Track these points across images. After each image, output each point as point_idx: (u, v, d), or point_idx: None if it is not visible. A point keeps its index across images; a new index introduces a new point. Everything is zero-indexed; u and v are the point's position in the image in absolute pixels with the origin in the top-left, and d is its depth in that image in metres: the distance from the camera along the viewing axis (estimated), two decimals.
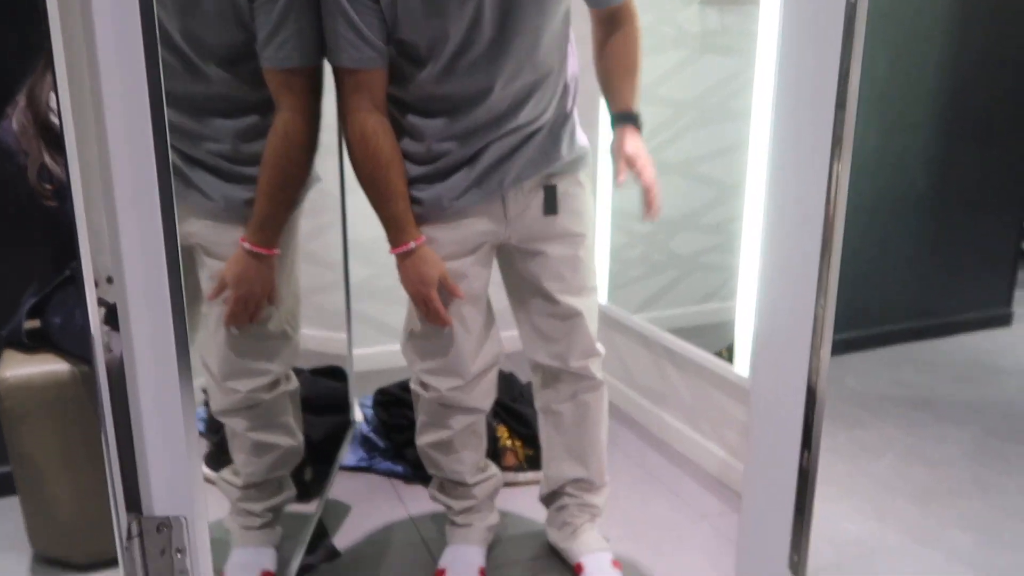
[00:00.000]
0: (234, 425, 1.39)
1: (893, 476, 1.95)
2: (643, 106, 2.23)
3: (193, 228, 1.26)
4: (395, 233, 1.30)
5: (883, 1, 2.47)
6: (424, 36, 1.20)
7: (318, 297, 2.09)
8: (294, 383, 1.47)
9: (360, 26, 1.19)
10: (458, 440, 1.49)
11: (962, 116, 2.77)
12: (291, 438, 1.46)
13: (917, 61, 2.64)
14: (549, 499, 1.61)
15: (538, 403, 1.55)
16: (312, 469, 1.60)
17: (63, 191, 1.47)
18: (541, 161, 1.33)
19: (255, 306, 1.28)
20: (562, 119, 1.35)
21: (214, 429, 1.60)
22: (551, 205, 1.36)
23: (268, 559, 1.42)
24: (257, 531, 1.43)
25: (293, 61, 1.23)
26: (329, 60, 1.25)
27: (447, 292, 1.32)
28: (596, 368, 1.47)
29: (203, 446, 1.61)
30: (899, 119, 2.68)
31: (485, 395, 1.46)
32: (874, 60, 2.56)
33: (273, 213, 1.26)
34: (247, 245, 1.24)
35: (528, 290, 1.42)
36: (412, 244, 1.29)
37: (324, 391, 1.84)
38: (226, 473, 1.43)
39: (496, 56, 1.22)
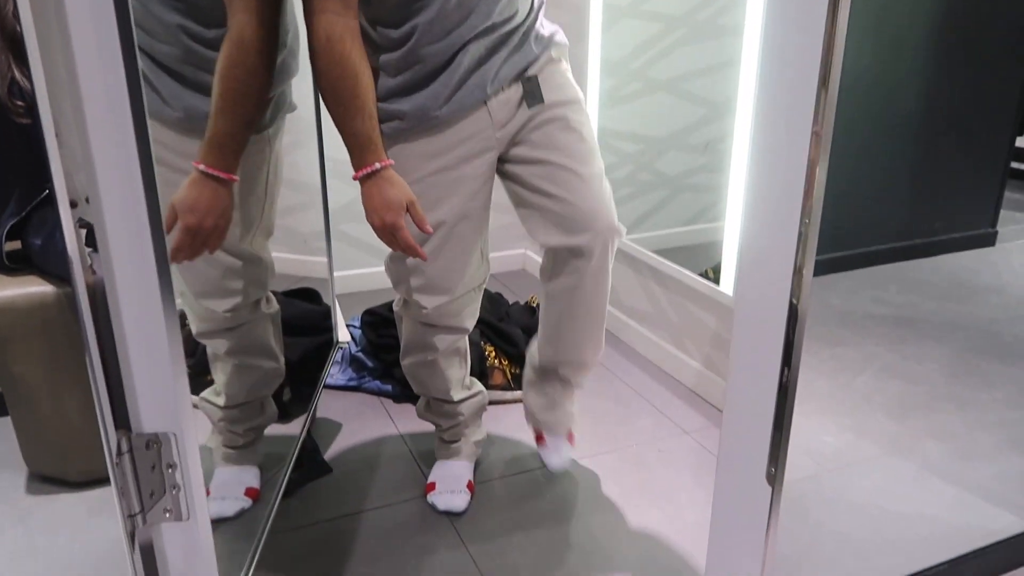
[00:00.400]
0: (215, 347, 1.37)
1: (872, 391, 1.99)
2: (631, 20, 2.18)
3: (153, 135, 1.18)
4: (359, 153, 1.19)
5: None
6: None
7: (291, 219, 2.07)
8: (275, 306, 1.46)
9: None
10: (443, 359, 1.50)
11: (955, 36, 2.71)
12: (272, 360, 1.47)
13: None
14: (538, 372, 1.57)
15: (544, 286, 1.45)
16: (291, 389, 1.62)
17: (35, 108, 1.43)
18: (519, 59, 1.28)
19: (206, 239, 1.14)
20: (534, 17, 1.30)
21: (189, 352, 1.61)
22: (534, 95, 1.29)
23: (252, 476, 1.44)
24: (240, 450, 1.46)
25: None
26: None
27: (416, 223, 1.23)
28: (605, 246, 1.36)
29: None
30: (892, 39, 2.62)
31: (470, 315, 1.46)
32: None
33: (229, 130, 1.12)
34: (201, 167, 1.11)
35: (532, 177, 1.33)
36: (377, 165, 1.19)
37: (299, 313, 1.84)
38: (207, 394, 1.43)
39: None
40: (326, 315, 1.94)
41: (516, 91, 1.30)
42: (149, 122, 0.68)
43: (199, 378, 1.44)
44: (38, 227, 1.49)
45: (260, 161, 1.31)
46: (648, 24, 2.11)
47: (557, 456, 1.61)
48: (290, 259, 2.23)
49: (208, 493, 1.39)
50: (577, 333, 1.45)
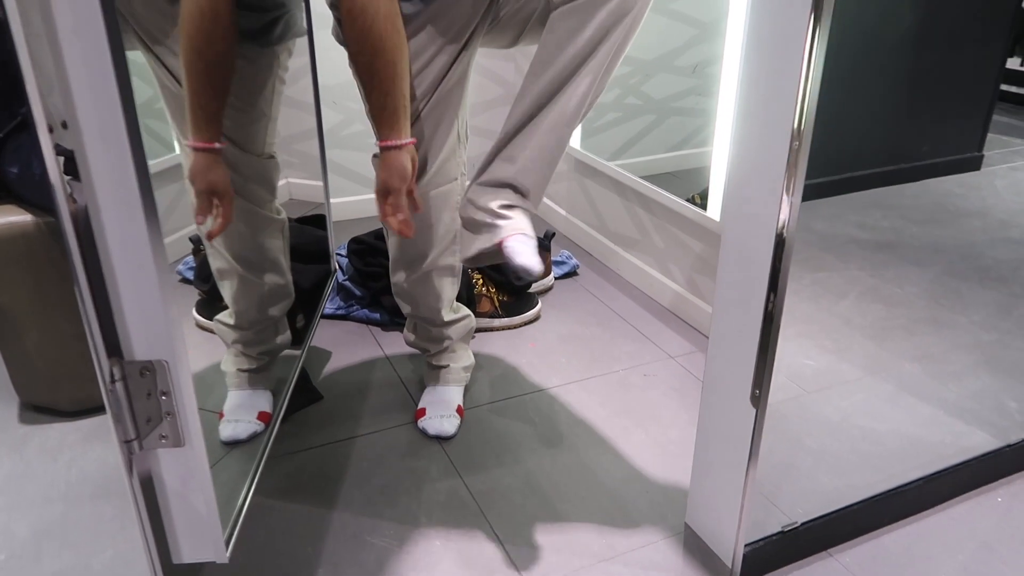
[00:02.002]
0: (221, 257, 1.38)
1: (854, 315, 2.03)
2: None
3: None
4: (386, 126, 1.21)
5: None
6: None
7: (301, 145, 2.04)
8: (284, 216, 1.46)
9: None
10: (435, 275, 1.49)
11: None
12: (279, 276, 1.47)
13: None
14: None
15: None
16: (304, 316, 1.63)
17: (4, 29, 1.37)
18: None
19: (219, 199, 1.22)
20: None
21: (203, 277, 1.60)
22: None
23: (264, 401, 1.47)
24: (253, 374, 1.47)
25: None
26: None
27: (410, 202, 1.27)
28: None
29: (194, 295, 1.63)
30: None
31: (452, 209, 1.42)
32: None
33: (204, 103, 1.15)
34: (188, 144, 1.17)
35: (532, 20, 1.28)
36: (401, 142, 1.22)
37: (311, 239, 1.83)
38: (222, 316, 1.45)
39: None
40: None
41: None
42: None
43: (215, 303, 1.45)
44: (13, 155, 1.45)
45: (268, 74, 1.33)
46: None
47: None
48: (295, 183, 2.21)
49: (222, 416, 1.42)
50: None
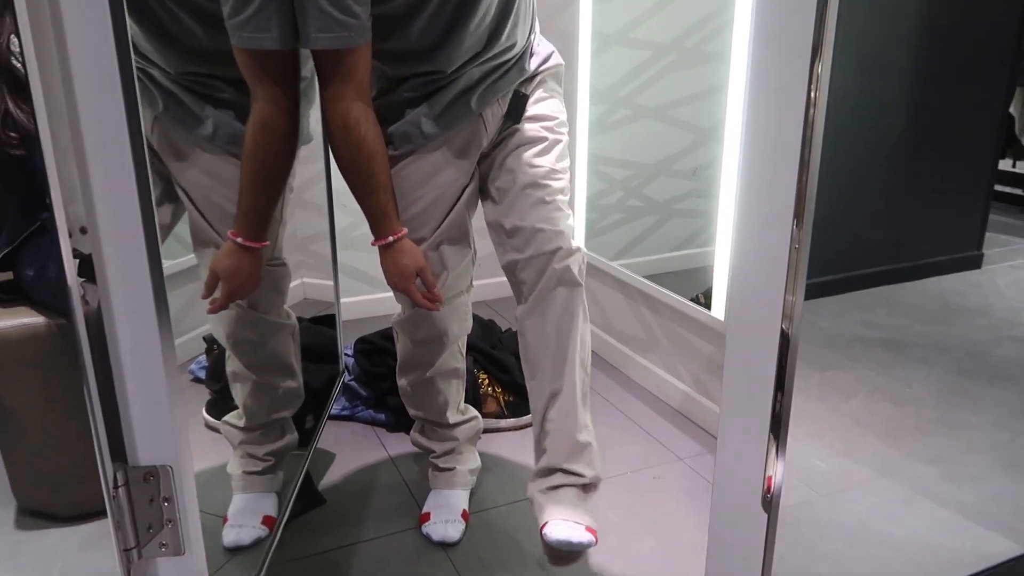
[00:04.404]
0: (235, 362, 1.39)
1: (864, 414, 2.00)
2: (620, 48, 2.21)
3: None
4: (375, 225, 1.27)
5: None
6: None
7: (316, 246, 2.08)
8: (294, 320, 1.47)
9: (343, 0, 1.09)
10: (440, 379, 1.50)
11: (938, 58, 2.77)
12: (292, 379, 1.47)
13: (895, 3, 2.63)
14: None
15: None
16: (313, 417, 1.62)
17: (30, 139, 1.43)
18: (512, 78, 1.33)
19: (242, 296, 1.28)
20: (529, 44, 1.34)
21: (215, 377, 1.60)
22: (515, 111, 1.33)
23: (269, 504, 1.44)
24: (259, 476, 1.45)
25: (267, 42, 1.11)
26: (303, 40, 1.13)
27: (426, 286, 1.31)
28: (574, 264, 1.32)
29: (205, 395, 1.62)
30: (876, 61, 2.67)
31: (460, 318, 1.47)
32: (852, 3, 2.54)
33: (259, 205, 1.22)
34: (239, 240, 1.21)
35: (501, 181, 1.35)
36: (391, 238, 1.27)
37: (323, 339, 1.85)
38: (230, 417, 1.44)
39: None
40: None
41: (504, 101, 1.34)
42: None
43: (226, 403, 1.44)
44: (30, 257, 1.49)
45: None
46: (636, 52, 2.15)
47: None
48: (309, 283, 2.23)
49: (226, 520, 1.39)
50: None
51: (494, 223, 1.35)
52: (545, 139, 1.33)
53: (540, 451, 1.37)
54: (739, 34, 1.74)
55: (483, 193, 1.40)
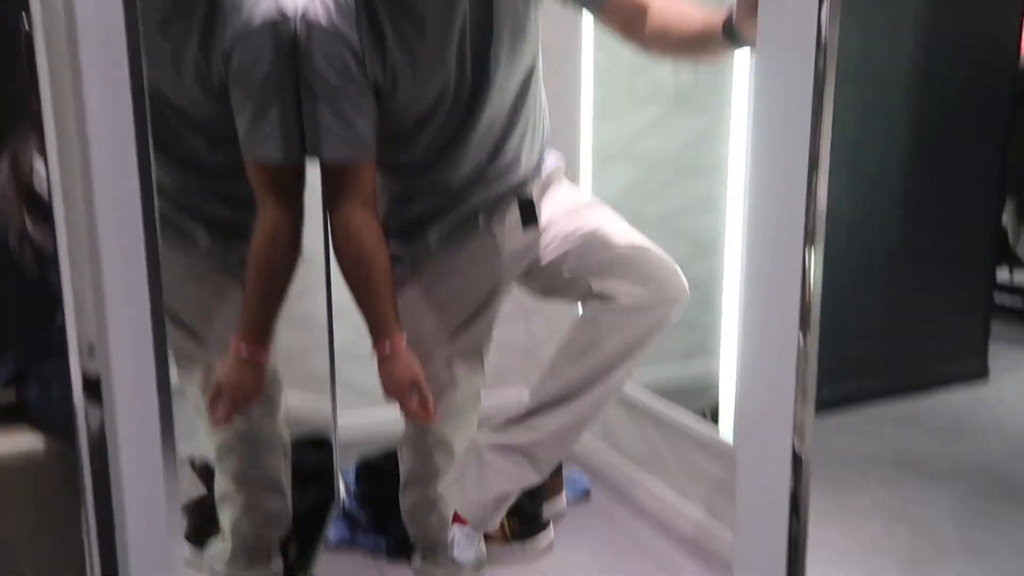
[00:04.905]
0: (223, 476, 1.35)
1: (883, 540, 1.93)
2: (620, 163, 2.28)
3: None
4: (373, 331, 1.29)
5: (852, 58, 2.52)
6: (424, 91, 1.19)
7: (305, 360, 2.06)
8: (287, 437, 1.44)
9: (349, 114, 1.15)
10: (443, 503, 1.45)
11: (931, 172, 2.84)
12: (280, 498, 1.43)
13: (887, 116, 2.72)
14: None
15: None
16: (296, 545, 1.56)
17: (44, 259, 1.45)
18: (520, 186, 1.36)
19: (245, 408, 1.28)
20: (541, 159, 1.40)
21: (189, 508, 1.56)
22: (529, 215, 1.36)
23: None
24: None
25: (278, 158, 1.16)
26: (312, 151, 1.19)
27: (420, 396, 1.30)
28: None
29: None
30: (870, 175, 2.74)
31: (467, 434, 1.45)
32: (844, 119, 2.64)
33: (264, 312, 1.24)
34: (244, 353, 1.21)
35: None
36: (388, 347, 1.28)
37: (309, 462, 1.79)
38: (213, 544, 1.39)
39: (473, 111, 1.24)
40: (332, 466, 1.89)
41: (512, 210, 1.36)
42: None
43: (203, 531, 1.40)
44: (36, 378, 1.48)
45: None
46: (636, 166, 2.21)
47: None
48: (296, 402, 2.19)
49: None
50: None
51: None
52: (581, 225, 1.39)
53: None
54: (735, 146, 1.79)
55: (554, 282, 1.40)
